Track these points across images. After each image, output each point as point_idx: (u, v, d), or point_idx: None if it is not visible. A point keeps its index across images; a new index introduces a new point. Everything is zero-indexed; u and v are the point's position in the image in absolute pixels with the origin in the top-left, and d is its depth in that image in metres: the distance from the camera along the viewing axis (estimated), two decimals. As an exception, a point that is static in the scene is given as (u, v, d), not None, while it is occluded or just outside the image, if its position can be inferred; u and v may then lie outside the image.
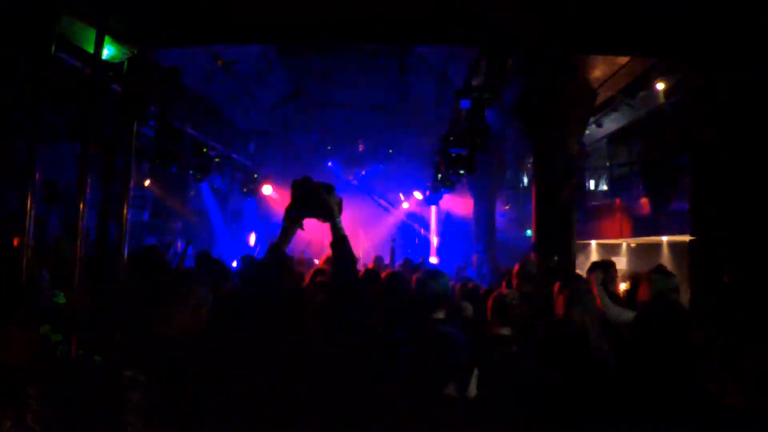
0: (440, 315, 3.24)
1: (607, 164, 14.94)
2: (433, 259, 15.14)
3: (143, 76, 3.87)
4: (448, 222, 16.90)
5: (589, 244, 15.26)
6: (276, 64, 10.21)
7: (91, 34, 3.45)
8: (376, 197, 16.78)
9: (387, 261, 9.24)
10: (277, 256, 2.43)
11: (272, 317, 2.49)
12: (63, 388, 2.53)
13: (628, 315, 3.65)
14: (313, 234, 3.00)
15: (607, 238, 14.49)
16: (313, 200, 2.40)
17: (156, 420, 2.13)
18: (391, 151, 14.51)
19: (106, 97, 3.80)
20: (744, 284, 4.01)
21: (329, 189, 2.43)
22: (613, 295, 5.55)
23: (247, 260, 5.88)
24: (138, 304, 3.43)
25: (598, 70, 7.32)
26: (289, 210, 2.43)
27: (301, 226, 2.47)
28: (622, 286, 7.06)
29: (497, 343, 3.50)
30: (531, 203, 7.34)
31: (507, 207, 15.22)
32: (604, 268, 5.79)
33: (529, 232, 8.57)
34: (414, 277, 3.44)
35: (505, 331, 3.55)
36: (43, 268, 4.51)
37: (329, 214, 2.41)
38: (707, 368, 2.75)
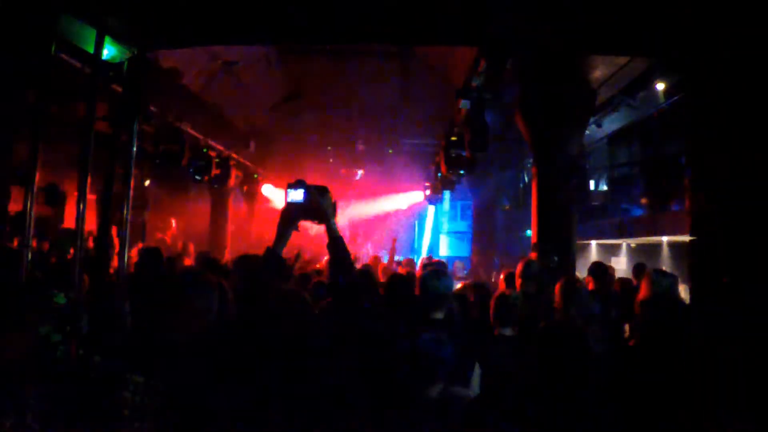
0: (438, 315, 3.21)
1: (607, 164, 14.93)
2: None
3: (143, 76, 3.88)
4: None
5: (589, 244, 15.24)
6: (276, 64, 10.20)
7: (91, 34, 3.45)
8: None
9: (387, 260, 9.23)
10: (274, 258, 2.43)
11: (271, 318, 2.49)
12: (63, 388, 2.52)
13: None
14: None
15: (607, 238, 14.47)
16: (308, 203, 2.41)
17: (155, 422, 2.12)
18: (391, 151, 14.48)
19: (106, 97, 3.80)
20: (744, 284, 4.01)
21: (323, 191, 2.44)
22: (611, 296, 5.55)
23: (242, 262, 5.82)
24: (142, 306, 3.43)
25: (598, 70, 7.32)
26: (285, 213, 2.45)
27: (296, 229, 2.48)
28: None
29: (499, 343, 3.49)
30: (531, 203, 7.33)
31: (507, 207, 15.19)
32: (602, 271, 5.82)
33: (528, 232, 8.56)
34: (417, 276, 3.42)
35: (508, 331, 3.54)
36: (43, 268, 4.51)
37: (324, 216, 2.42)
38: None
